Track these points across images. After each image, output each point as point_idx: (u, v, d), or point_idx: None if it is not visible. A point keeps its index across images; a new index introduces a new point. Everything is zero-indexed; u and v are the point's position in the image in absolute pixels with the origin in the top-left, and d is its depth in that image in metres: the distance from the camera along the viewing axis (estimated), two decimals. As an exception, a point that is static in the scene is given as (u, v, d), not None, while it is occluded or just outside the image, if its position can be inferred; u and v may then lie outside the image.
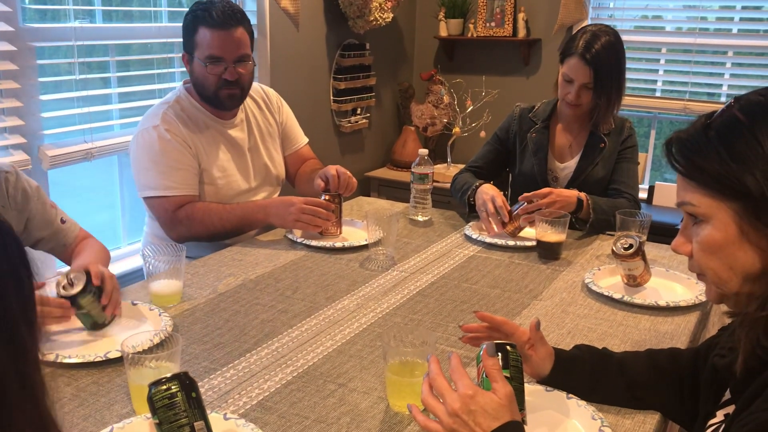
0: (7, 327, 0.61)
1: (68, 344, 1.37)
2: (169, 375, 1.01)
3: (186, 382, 1.01)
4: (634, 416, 1.20)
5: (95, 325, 1.41)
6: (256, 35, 3.09)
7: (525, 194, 2.05)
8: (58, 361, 1.28)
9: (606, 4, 3.93)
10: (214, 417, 1.11)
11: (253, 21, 3.10)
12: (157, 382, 1.00)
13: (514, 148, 2.41)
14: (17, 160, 2.20)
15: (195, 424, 0.98)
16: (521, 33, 3.99)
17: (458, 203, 2.33)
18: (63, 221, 1.70)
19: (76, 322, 1.42)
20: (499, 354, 1.09)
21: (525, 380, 1.23)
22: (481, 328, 1.24)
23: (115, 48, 2.57)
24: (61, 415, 1.14)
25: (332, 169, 2.09)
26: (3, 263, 0.63)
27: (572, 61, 2.16)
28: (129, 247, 2.77)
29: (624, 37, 2.26)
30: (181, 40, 2.09)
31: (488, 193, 2.12)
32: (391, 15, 3.66)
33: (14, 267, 0.64)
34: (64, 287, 1.35)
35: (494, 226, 2.08)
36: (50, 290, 1.39)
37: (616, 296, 1.67)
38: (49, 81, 2.37)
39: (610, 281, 1.79)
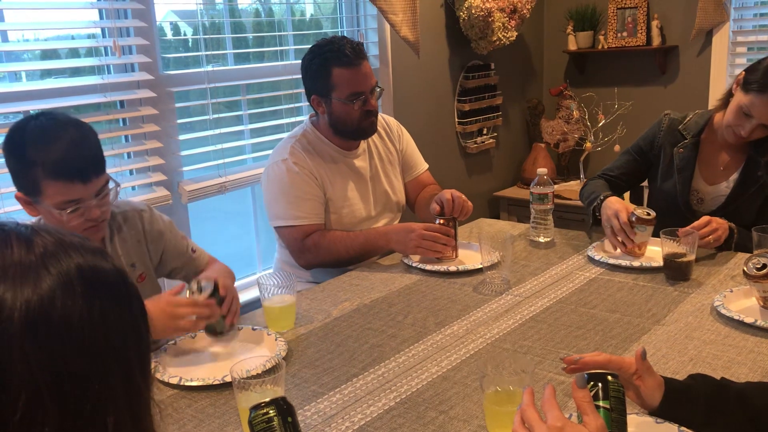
0: (126, 372, 0.67)
1: (191, 369, 1.47)
2: (267, 399, 1.06)
3: (283, 406, 1.06)
4: (757, 453, 1.11)
5: (213, 332, 1.55)
6: (378, 65, 3.19)
7: (684, 229, 1.86)
8: (182, 384, 1.38)
9: (749, 3, 3.67)
10: (314, 441, 1.15)
11: (375, 52, 3.19)
12: (257, 407, 1.05)
13: (657, 161, 2.22)
14: (159, 195, 2.41)
15: (290, 448, 1.03)
16: (656, 41, 3.82)
17: (585, 210, 2.21)
18: (193, 251, 1.83)
19: (199, 346, 1.53)
20: (599, 384, 1.06)
21: (636, 411, 1.18)
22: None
23: (245, 87, 2.74)
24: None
25: (447, 194, 2.10)
26: (127, 317, 0.68)
27: (758, 100, 1.93)
28: (265, 272, 2.93)
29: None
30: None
31: (612, 207, 2.00)
32: (515, 33, 3.62)
33: (136, 321, 0.70)
34: (193, 292, 1.51)
35: (618, 246, 2.00)
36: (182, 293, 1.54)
37: (748, 320, 1.54)
38: (186, 122, 2.57)
39: (744, 304, 1.66)
